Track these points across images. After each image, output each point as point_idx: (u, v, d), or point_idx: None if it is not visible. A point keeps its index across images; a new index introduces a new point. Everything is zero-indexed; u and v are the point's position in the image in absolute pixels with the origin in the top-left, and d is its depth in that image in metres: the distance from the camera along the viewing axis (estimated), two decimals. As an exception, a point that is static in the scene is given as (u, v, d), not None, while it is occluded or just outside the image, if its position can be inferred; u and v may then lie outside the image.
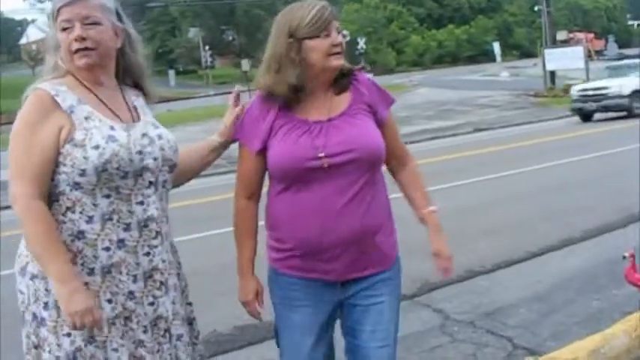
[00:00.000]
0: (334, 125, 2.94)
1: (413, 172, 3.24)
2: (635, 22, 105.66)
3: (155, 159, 2.75)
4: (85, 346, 2.61)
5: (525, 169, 14.32)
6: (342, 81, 3.03)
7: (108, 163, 2.60)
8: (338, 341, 3.23)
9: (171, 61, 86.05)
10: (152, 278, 2.76)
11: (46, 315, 2.63)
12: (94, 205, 2.63)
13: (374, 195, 2.99)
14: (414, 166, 3.25)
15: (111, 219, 2.65)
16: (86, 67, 2.72)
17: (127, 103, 2.86)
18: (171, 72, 79.13)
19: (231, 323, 6.16)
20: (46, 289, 2.62)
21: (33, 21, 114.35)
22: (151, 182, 2.74)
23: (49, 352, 2.63)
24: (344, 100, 3.02)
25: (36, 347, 2.68)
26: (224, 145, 3.16)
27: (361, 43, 50.97)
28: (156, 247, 2.76)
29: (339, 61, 2.95)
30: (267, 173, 3.06)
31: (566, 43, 42.23)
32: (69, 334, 2.60)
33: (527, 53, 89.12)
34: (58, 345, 2.61)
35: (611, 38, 73.43)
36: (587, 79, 33.00)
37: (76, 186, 2.62)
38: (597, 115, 26.54)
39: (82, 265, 2.62)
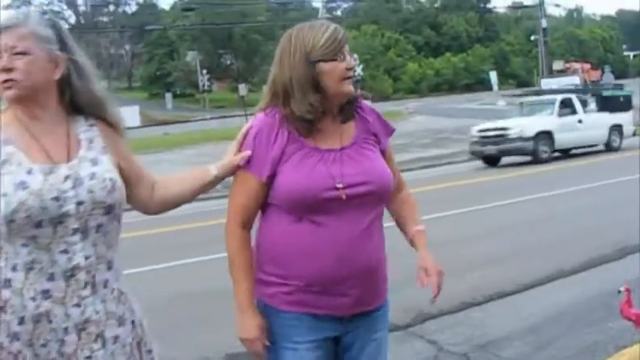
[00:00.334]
0: (348, 155, 2.82)
1: (406, 195, 3.16)
2: (631, 53, 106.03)
3: (80, 203, 2.49)
4: None
5: (518, 199, 14.42)
6: (348, 108, 2.89)
7: (15, 212, 2.41)
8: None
9: (169, 84, 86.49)
10: (86, 331, 2.53)
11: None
12: (16, 253, 2.47)
13: (379, 227, 2.91)
14: (407, 191, 3.19)
15: (32, 268, 2.47)
16: (13, 99, 2.54)
17: (68, 137, 2.62)
18: (169, 95, 79.46)
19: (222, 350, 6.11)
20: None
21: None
22: (76, 229, 2.49)
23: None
24: (351, 128, 2.90)
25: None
26: (220, 180, 2.94)
27: (358, 70, 51.10)
28: (87, 297, 2.52)
29: (350, 87, 2.82)
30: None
31: (562, 72, 42.65)
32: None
33: (524, 82, 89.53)
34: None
35: (607, 69, 73.59)
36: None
37: None
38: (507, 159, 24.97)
39: (12, 313, 2.46)
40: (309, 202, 2.73)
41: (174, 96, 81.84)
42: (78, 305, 2.50)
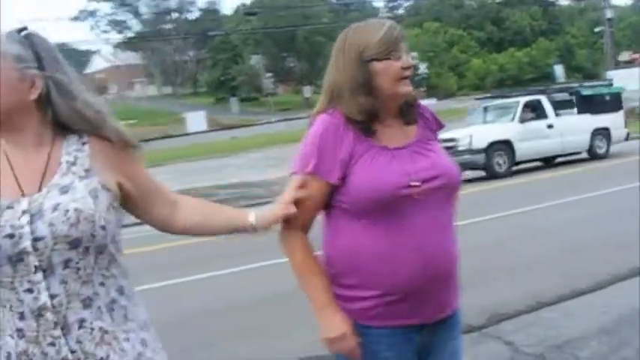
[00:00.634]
0: (415, 151, 2.71)
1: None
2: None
3: (37, 239, 2.27)
4: None
5: (585, 195, 14.08)
6: (408, 111, 2.79)
7: None
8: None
9: (234, 88, 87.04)
10: None
11: None
12: None
13: (454, 224, 2.77)
14: None
15: (4, 306, 2.33)
16: None
17: (47, 162, 2.42)
18: (234, 99, 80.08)
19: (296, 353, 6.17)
20: None
21: (98, 51, 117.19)
22: (37, 266, 2.28)
23: None
24: (414, 126, 2.81)
25: None
26: (256, 230, 2.72)
27: (422, 67, 50.71)
28: (59, 337, 2.31)
29: (408, 88, 2.70)
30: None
31: (629, 64, 41.66)
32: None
33: (590, 75, 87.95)
34: None
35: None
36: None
37: None
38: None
39: (2, 349, 2.37)
40: (386, 200, 2.59)
41: (240, 100, 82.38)
42: (52, 344, 2.32)
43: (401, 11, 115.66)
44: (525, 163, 22.55)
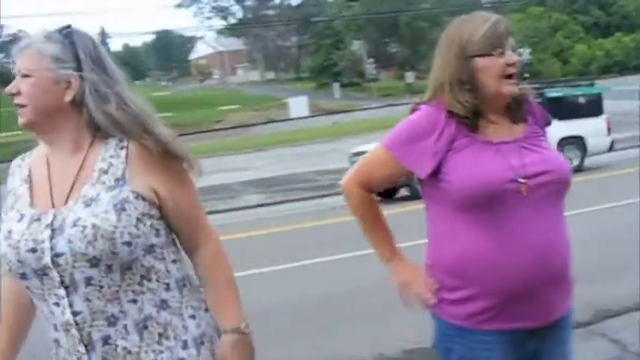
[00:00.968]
0: (522, 146, 2.62)
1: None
2: None
3: (59, 255, 2.19)
4: None
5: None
6: (516, 109, 2.70)
7: (4, 265, 2.27)
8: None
9: (336, 73, 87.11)
10: None
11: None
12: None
13: (565, 220, 2.67)
14: None
15: (43, 315, 2.33)
16: (25, 126, 2.34)
17: (80, 170, 2.33)
18: (336, 85, 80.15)
19: (399, 346, 6.10)
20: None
21: (201, 37, 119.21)
22: (61, 282, 2.21)
23: None
24: (522, 124, 2.72)
25: None
26: (222, 333, 2.44)
27: (525, 53, 49.74)
28: (84, 354, 2.25)
29: (513, 87, 2.60)
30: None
31: None
32: None
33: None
34: None
35: None
36: None
37: None
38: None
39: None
40: (491, 193, 2.50)
41: (342, 85, 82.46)
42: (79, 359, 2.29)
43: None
44: None
